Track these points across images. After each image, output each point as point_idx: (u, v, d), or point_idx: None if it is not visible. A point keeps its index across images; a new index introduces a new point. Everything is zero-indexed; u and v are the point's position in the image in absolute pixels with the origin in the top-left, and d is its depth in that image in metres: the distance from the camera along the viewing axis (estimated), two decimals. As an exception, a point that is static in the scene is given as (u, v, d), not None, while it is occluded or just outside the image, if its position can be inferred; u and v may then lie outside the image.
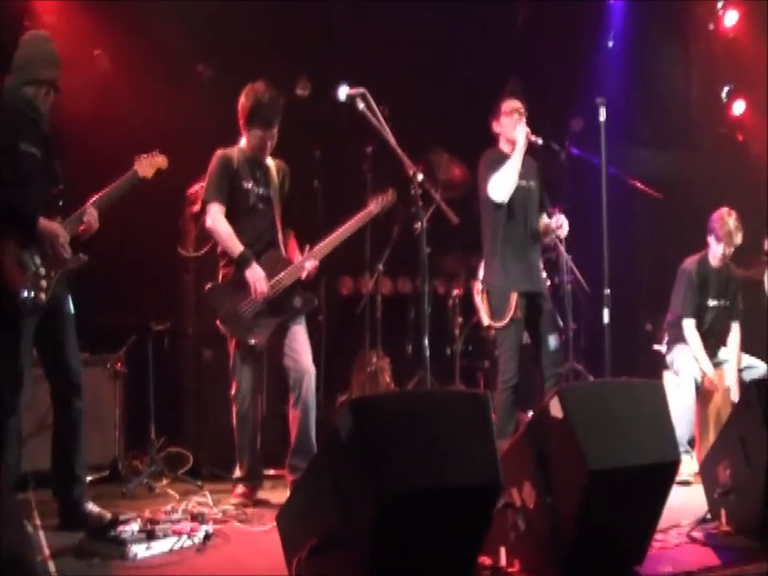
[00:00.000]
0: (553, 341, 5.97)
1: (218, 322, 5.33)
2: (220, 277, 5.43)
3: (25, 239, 4.44)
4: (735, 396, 6.43)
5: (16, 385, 4.44)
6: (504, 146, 6.06)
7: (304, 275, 5.39)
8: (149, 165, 5.04)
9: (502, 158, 5.96)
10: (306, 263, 5.39)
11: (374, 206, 5.59)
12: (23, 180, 4.47)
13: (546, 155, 6.07)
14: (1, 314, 4.39)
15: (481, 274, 6.35)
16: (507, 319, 5.84)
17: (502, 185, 5.85)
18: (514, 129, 5.96)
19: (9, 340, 4.43)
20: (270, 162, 5.57)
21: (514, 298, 5.84)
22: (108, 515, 4.65)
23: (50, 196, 4.65)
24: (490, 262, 6.03)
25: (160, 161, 5.11)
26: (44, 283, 4.49)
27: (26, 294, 4.39)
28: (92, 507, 4.73)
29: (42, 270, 4.49)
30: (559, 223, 6.03)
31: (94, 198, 4.79)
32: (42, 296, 4.47)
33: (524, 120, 5.97)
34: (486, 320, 6.08)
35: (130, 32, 6.92)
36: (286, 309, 5.39)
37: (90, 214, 4.73)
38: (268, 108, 5.33)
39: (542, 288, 6.13)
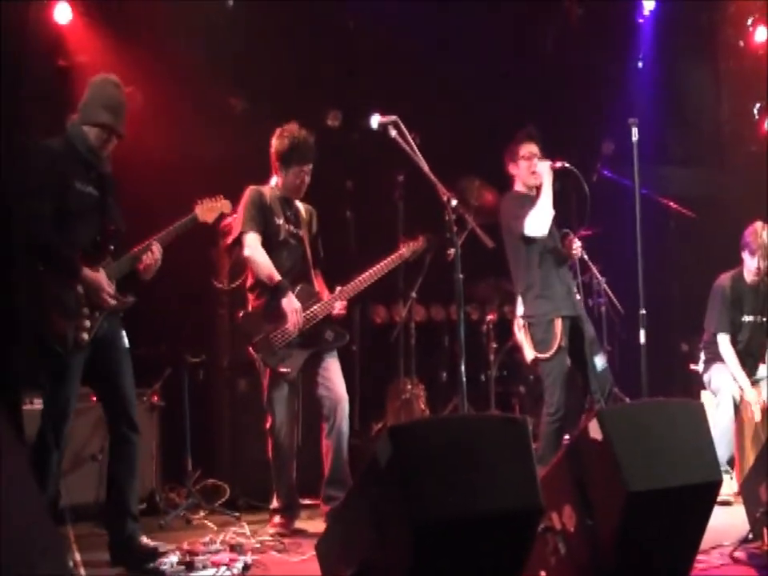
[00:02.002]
0: (600, 360, 5.94)
1: (250, 348, 5.34)
2: (250, 308, 5.45)
3: (66, 277, 4.46)
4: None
5: (60, 420, 4.46)
6: (520, 188, 6.08)
7: (334, 312, 5.43)
8: (210, 209, 4.97)
9: (524, 198, 5.99)
10: (337, 301, 5.43)
11: (405, 250, 5.65)
12: (73, 218, 4.50)
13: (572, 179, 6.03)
14: (44, 353, 4.43)
15: (519, 310, 6.28)
16: (555, 348, 5.79)
17: (540, 220, 5.83)
18: (531, 175, 5.98)
19: (53, 377, 4.46)
20: (299, 204, 5.62)
21: (558, 324, 5.81)
22: (166, 547, 4.60)
23: (106, 234, 4.62)
24: (528, 294, 5.99)
25: (222, 205, 5.04)
26: (87, 323, 4.47)
27: (66, 332, 4.40)
28: (146, 541, 4.64)
29: (86, 310, 4.48)
30: (574, 246, 6.04)
31: (153, 239, 4.74)
32: (85, 335, 4.45)
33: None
34: (530, 354, 5.93)
35: (162, 68, 6.99)
36: (317, 341, 5.41)
37: (155, 251, 4.68)
38: (304, 146, 5.40)
39: (581, 312, 6.11)
